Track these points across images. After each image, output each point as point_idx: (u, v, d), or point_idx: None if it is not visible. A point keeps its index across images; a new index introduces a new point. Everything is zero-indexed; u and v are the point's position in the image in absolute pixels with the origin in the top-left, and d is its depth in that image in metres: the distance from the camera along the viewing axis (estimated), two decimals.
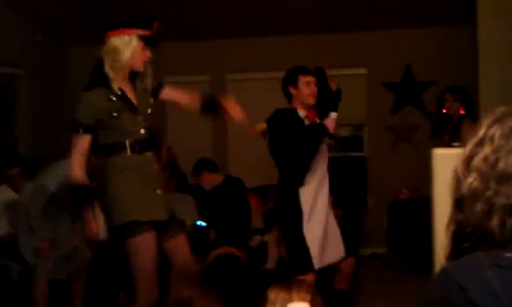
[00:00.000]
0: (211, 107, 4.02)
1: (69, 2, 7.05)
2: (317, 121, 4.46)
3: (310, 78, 4.46)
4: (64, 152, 4.10)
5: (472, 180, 1.30)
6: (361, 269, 5.82)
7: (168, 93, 4.03)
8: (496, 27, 5.42)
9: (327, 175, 4.51)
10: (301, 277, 4.19)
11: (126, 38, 3.66)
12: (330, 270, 4.56)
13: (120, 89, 3.69)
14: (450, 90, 5.72)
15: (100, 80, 3.67)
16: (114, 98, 3.66)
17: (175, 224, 3.94)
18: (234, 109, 3.96)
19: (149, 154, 3.79)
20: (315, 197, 4.38)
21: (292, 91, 4.45)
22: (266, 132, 4.51)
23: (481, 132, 1.34)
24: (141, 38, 3.69)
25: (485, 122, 1.36)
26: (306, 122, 4.42)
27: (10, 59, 7.15)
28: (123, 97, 3.70)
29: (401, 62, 8.02)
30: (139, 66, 3.74)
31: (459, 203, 1.33)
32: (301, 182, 4.33)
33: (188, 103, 4.04)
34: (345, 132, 8.32)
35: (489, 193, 1.28)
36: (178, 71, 8.31)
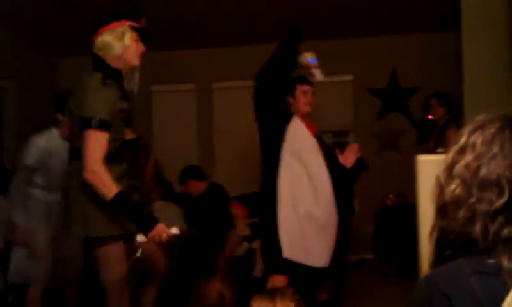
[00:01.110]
0: None
1: (57, 13, 7.03)
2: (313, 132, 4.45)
3: (306, 88, 4.47)
4: None
5: (454, 187, 1.32)
6: (348, 275, 5.84)
7: None
8: (480, 33, 5.46)
9: (324, 173, 4.44)
10: (273, 278, 4.18)
11: (119, 29, 3.49)
12: (311, 283, 4.50)
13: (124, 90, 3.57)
14: (435, 96, 5.75)
15: (113, 73, 3.50)
16: (123, 98, 3.53)
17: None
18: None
19: (124, 165, 3.69)
20: (295, 186, 4.28)
21: (290, 100, 4.44)
22: None
23: (462, 140, 1.36)
24: (133, 28, 3.52)
25: (466, 130, 1.38)
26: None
27: None
28: (125, 93, 3.57)
29: (386, 68, 8.07)
30: (133, 59, 3.55)
31: (442, 210, 1.34)
32: (275, 166, 4.28)
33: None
34: (331, 139, 8.33)
35: (472, 200, 1.29)
36: (165, 80, 8.32)
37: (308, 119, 4.46)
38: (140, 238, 3.49)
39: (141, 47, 3.56)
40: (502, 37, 5.32)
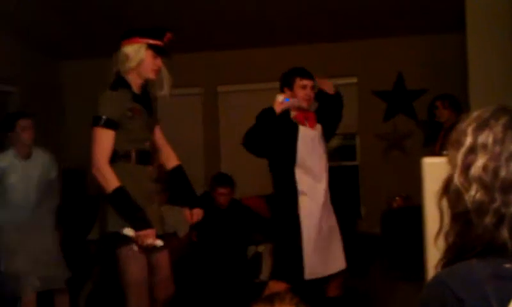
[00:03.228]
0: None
1: (60, 18, 7.04)
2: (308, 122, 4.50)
3: (306, 82, 4.50)
4: None
5: (474, 192, 1.27)
6: (355, 277, 5.82)
7: (157, 135, 4.18)
8: (485, 34, 5.44)
9: (323, 180, 4.51)
10: (274, 284, 4.23)
11: (136, 46, 3.80)
12: (323, 278, 4.56)
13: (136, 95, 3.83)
14: (441, 98, 5.74)
15: (123, 82, 3.80)
16: (135, 100, 3.79)
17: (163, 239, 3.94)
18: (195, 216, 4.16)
19: (151, 168, 3.85)
20: (310, 204, 4.40)
21: (287, 92, 4.48)
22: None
23: (469, 139, 1.32)
24: (151, 46, 3.81)
25: (468, 128, 1.34)
26: (293, 122, 4.48)
27: (1, 75, 7.13)
28: (142, 100, 3.84)
29: (392, 70, 8.04)
30: (149, 74, 3.87)
31: (463, 216, 1.29)
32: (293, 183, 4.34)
33: (164, 159, 4.22)
34: (337, 141, 8.32)
35: (496, 204, 1.25)
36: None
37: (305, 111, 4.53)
38: (128, 231, 3.56)
39: (158, 63, 3.89)
40: (507, 37, 5.30)
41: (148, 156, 3.88)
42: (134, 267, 3.73)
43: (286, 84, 4.53)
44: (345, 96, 8.16)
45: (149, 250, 3.72)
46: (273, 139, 4.42)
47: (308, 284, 4.39)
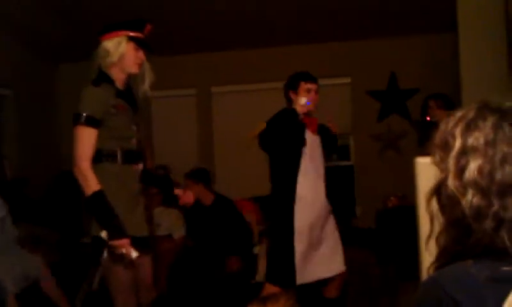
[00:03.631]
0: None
1: (56, 21, 7.04)
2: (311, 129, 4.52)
3: (311, 86, 4.51)
4: None
5: (471, 197, 1.25)
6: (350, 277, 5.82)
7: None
8: (477, 34, 5.46)
9: (321, 183, 4.54)
10: (270, 286, 4.25)
11: (116, 39, 3.64)
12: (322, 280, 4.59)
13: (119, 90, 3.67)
14: (434, 97, 5.74)
15: (105, 77, 3.63)
16: (118, 96, 3.62)
17: (146, 243, 3.84)
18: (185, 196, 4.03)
19: (137, 167, 3.75)
20: (309, 211, 4.43)
21: (292, 95, 4.50)
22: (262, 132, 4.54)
23: (458, 141, 1.30)
24: (132, 38, 3.66)
25: (455, 130, 1.31)
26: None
27: None
28: (126, 96, 3.69)
29: (385, 70, 8.06)
30: (132, 67, 3.69)
31: (459, 221, 1.27)
32: (293, 186, 4.37)
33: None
34: None
35: (494, 208, 1.23)
36: (163, 85, 8.27)
37: (309, 115, 4.54)
38: (104, 234, 3.47)
39: (141, 56, 3.69)
40: (499, 37, 5.32)
41: (134, 155, 3.69)
42: (117, 270, 3.65)
43: (291, 87, 4.54)
44: (339, 96, 8.26)
45: (122, 259, 3.54)
46: (284, 141, 4.44)
47: (303, 286, 4.40)
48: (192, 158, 8.24)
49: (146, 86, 3.78)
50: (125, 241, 3.44)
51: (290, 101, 4.55)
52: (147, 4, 6.55)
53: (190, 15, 7.15)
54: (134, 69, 3.70)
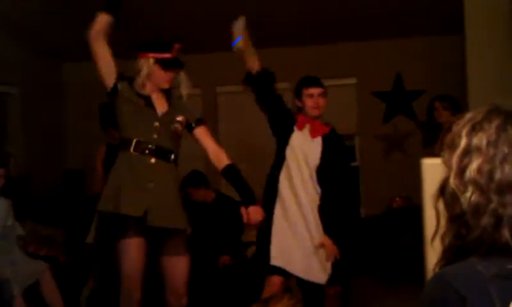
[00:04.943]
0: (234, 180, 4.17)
1: (61, 20, 7.05)
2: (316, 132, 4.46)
3: (313, 90, 4.43)
4: None
5: (470, 194, 1.28)
6: (355, 278, 5.82)
7: (200, 136, 4.29)
8: (484, 36, 5.45)
9: (306, 188, 4.39)
10: (269, 280, 4.21)
11: (143, 60, 3.88)
12: (320, 291, 4.48)
13: (142, 94, 3.91)
14: (439, 99, 5.73)
15: (127, 78, 3.93)
16: (134, 94, 3.88)
17: (179, 243, 3.94)
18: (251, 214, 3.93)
19: (153, 160, 3.85)
20: (290, 191, 4.35)
21: (298, 104, 4.47)
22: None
23: (463, 142, 1.33)
24: (159, 61, 3.86)
25: (462, 130, 1.34)
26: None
27: (2, 77, 7.15)
28: (143, 96, 3.90)
29: (391, 71, 8.06)
30: (162, 85, 3.93)
31: (459, 218, 1.30)
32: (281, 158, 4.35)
33: (213, 160, 4.24)
34: None
35: (492, 205, 1.25)
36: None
37: (316, 120, 4.47)
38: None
39: (169, 75, 3.95)
40: (505, 39, 5.31)
41: (154, 150, 3.86)
42: (125, 258, 3.71)
43: (296, 96, 4.51)
44: (345, 97, 8.26)
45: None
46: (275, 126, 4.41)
47: (306, 286, 4.35)
48: (198, 158, 8.23)
49: (184, 98, 4.09)
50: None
51: (300, 110, 4.51)
52: (152, 3, 6.55)
53: (196, 15, 7.15)
54: (164, 86, 3.95)
